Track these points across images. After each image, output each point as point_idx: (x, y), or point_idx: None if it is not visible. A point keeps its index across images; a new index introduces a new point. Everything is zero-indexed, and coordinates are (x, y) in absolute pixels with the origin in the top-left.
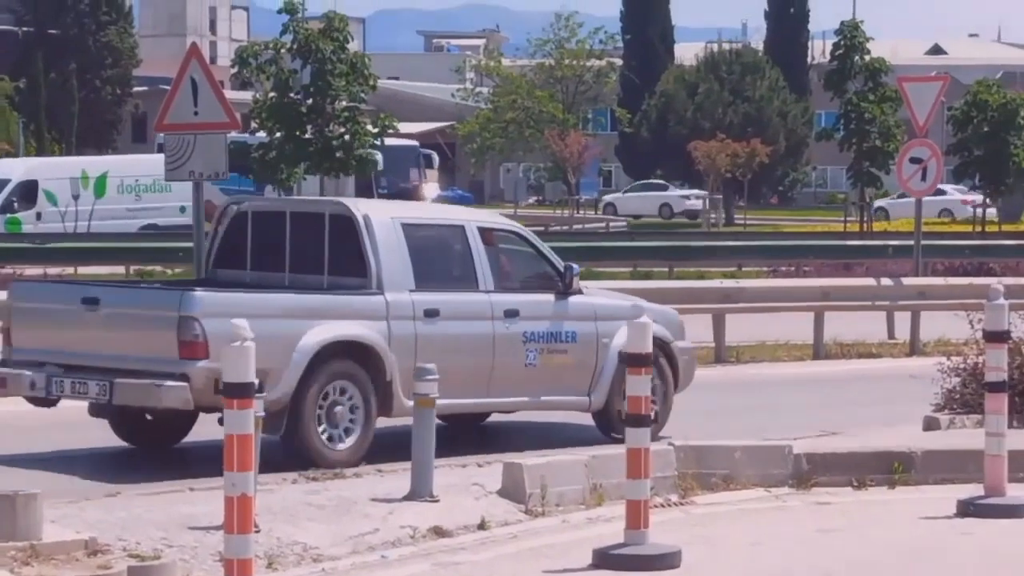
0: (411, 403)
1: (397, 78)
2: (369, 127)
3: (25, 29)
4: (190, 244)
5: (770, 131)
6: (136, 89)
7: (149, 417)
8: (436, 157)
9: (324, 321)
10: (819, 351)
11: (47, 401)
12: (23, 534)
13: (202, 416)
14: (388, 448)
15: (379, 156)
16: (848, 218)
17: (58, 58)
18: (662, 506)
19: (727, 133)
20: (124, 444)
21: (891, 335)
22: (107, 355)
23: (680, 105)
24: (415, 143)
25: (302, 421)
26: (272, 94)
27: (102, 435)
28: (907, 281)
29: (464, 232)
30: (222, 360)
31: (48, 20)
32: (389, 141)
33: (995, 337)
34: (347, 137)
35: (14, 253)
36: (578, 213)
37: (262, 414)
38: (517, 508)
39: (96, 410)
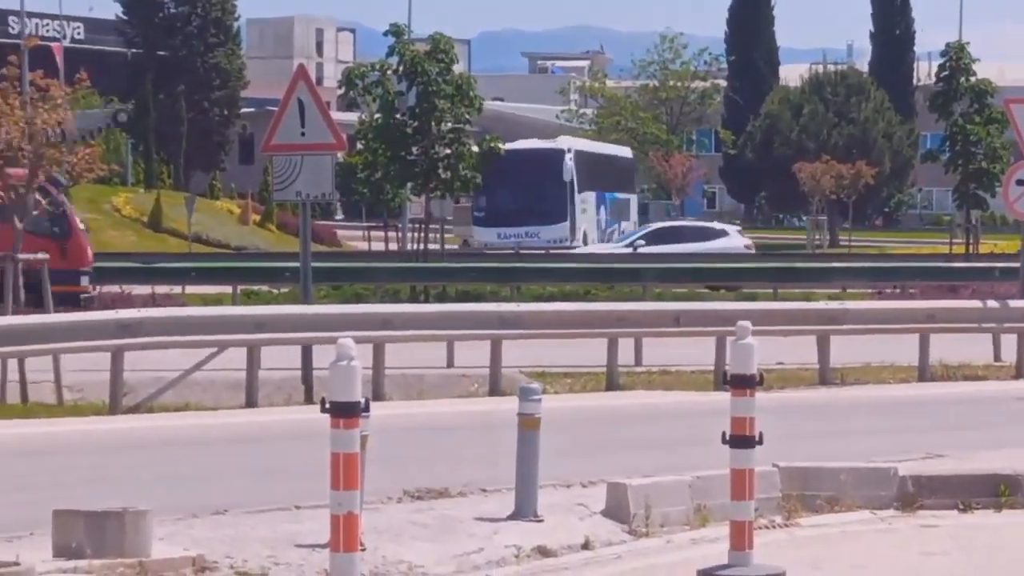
0: None
1: (502, 99)
2: (474, 148)
3: (134, 51)
4: (296, 264)
5: (875, 152)
6: (243, 110)
7: None
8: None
9: None
10: (925, 373)
11: None
12: (132, 551)
13: None
14: (492, 467)
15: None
16: (954, 240)
17: (167, 80)
18: (766, 527)
19: (832, 154)
20: (232, 463)
21: (997, 358)
22: None
23: (784, 126)
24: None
25: None
26: (378, 115)
27: (211, 452)
28: (1013, 303)
29: None
30: (330, 380)
31: (157, 42)
32: None
33: None
34: (452, 159)
35: (120, 273)
36: None
37: (368, 433)
38: (621, 528)
39: None
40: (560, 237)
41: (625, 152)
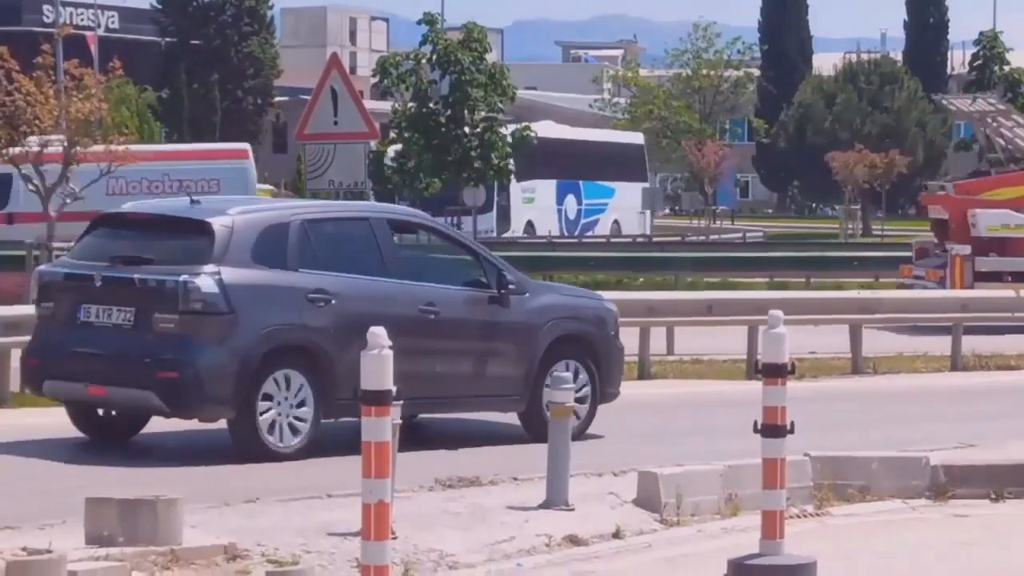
0: None
1: (535, 88)
2: (507, 137)
3: (168, 40)
4: None
5: (908, 141)
6: (277, 99)
7: None
8: None
9: None
10: (957, 363)
11: None
12: (164, 539)
13: None
14: (523, 456)
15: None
16: None
17: (200, 68)
18: (798, 517)
19: (865, 143)
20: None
21: None
22: None
23: (818, 115)
24: None
25: None
26: (411, 104)
27: None
28: None
29: None
30: (361, 368)
31: (191, 31)
32: None
33: None
34: (485, 148)
35: None
36: (715, 224)
37: (399, 421)
38: (652, 517)
39: None
40: (485, 228)
41: (629, 138)
